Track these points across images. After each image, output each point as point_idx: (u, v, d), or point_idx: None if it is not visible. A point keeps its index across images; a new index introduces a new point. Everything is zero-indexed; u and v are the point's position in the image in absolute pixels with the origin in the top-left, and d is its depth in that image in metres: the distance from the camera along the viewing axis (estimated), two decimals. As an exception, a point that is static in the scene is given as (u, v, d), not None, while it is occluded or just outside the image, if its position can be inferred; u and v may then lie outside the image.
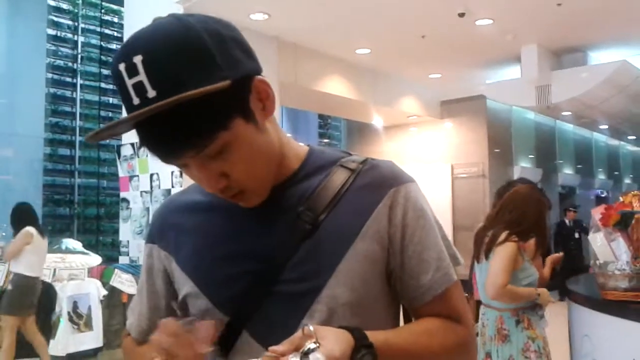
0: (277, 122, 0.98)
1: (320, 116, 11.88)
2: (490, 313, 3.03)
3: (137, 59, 0.79)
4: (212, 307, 0.93)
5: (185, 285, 0.97)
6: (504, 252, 2.87)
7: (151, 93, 0.78)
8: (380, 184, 0.96)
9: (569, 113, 10.95)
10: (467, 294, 3.25)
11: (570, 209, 10.91)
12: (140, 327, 1.05)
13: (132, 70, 0.79)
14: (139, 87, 0.79)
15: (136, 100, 0.79)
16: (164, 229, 1.03)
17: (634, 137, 15.95)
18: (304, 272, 0.90)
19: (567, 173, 13.47)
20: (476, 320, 3.15)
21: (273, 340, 0.79)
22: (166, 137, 0.81)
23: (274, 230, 0.93)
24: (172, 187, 6.51)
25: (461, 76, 9.71)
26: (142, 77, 0.78)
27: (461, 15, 6.81)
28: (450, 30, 7.38)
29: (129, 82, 0.79)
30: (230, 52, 0.87)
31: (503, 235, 2.93)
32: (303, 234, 0.91)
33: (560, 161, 13.34)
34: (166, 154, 0.83)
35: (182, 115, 0.79)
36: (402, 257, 0.95)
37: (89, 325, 5.52)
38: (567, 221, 10.78)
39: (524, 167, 11.61)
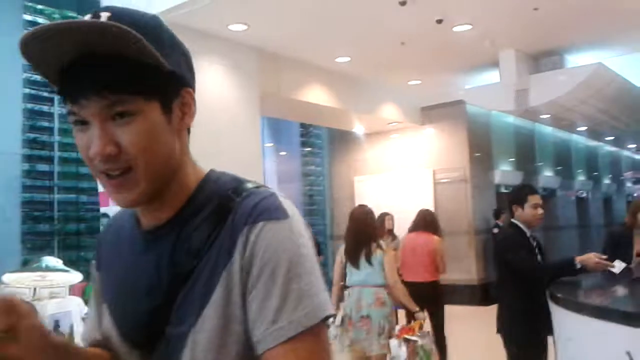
0: (188, 145, 1.02)
1: (302, 125, 11.86)
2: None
3: (104, 14, 0.83)
4: (124, 345, 0.95)
5: (105, 316, 1.01)
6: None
7: (104, 17, 0.83)
8: (239, 221, 0.88)
9: (548, 116, 11.08)
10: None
11: (502, 212, 10.05)
12: (93, 342, 1.04)
13: (95, 17, 0.83)
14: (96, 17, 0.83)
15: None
16: (100, 248, 1.08)
17: (612, 138, 16.17)
18: (180, 315, 0.89)
19: (547, 175, 13.60)
20: None
21: None
22: (100, 70, 0.82)
23: (161, 272, 0.91)
24: (154, 200, 6.45)
25: (440, 82, 9.78)
26: (103, 19, 0.83)
27: (439, 21, 6.86)
28: (429, 37, 7.43)
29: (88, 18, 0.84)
30: (177, 53, 0.94)
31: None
32: (180, 279, 0.89)
33: (540, 163, 13.47)
34: (90, 89, 0.82)
35: (120, 60, 0.81)
36: (249, 303, 0.86)
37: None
38: (500, 225, 10.01)
39: (504, 171, 11.71)
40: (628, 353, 2.28)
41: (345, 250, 4.60)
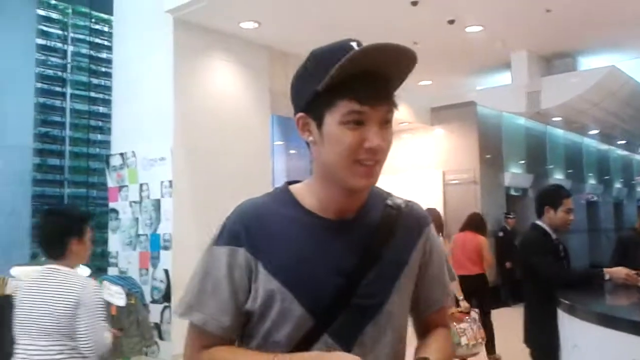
0: None
1: (312, 123, 11.86)
2: None
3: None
4: (304, 312, 1.10)
5: (272, 289, 1.11)
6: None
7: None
8: (418, 224, 1.27)
9: (559, 118, 11.00)
10: None
11: (509, 215, 10.43)
12: (219, 322, 1.14)
13: (360, 46, 1.07)
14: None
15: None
16: (251, 234, 1.14)
17: (623, 142, 16.03)
18: (371, 290, 1.14)
19: (557, 178, 13.50)
20: None
21: (348, 341, 1.11)
22: (383, 86, 1.10)
23: (351, 254, 1.14)
24: (162, 197, 6.48)
25: (451, 83, 9.73)
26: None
27: (451, 22, 6.83)
28: (441, 37, 7.40)
29: (357, 48, 1.07)
30: None
31: None
32: (372, 261, 1.15)
33: (551, 166, 13.38)
34: (379, 97, 1.08)
35: (396, 79, 1.11)
36: (425, 278, 1.27)
37: (78, 337, 5.46)
38: (507, 227, 10.33)
39: (514, 173, 11.64)
40: (634, 362, 2.26)
41: None
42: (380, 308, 1.16)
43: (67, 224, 2.63)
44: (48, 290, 2.49)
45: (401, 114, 10.34)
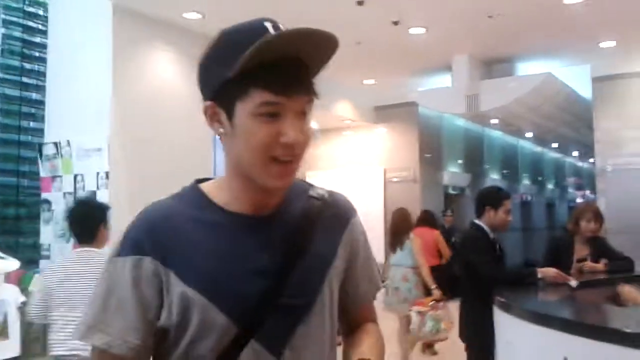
0: None
1: (255, 118, 11.78)
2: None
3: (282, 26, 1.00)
4: (226, 320, 0.99)
5: (188, 299, 0.99)
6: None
7: (276, 27, 0.99)
8: (344, 214, 1.20)
9: (497, 121, 11.32)
10: None
11: (447, 213, 10.25)
12: (127, 342, 1.00)
13: (276, 27, 0.98)
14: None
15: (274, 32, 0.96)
16: (157, 240, 1.01)
17: (556, 145, 16.66)
18: (299, 289, 1.05)
19: (493, 178, 13.92)
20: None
21: (278, 345, 1.02)
22: (302, 75, 0.99)
23: (274, 252, 1.04)
24: (97, 188, 6.27)
25: (395, 83, 9.85)
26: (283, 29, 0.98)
27: (395, 23, 6.90)
28: (385, 38, 7.47)
29: (272, 31, 0.97)
30: None
31: None
32: (296, 257, 1.05)
33: (488, 166, 13.78)
34: (297, 87, 0.97)
35: (316, 67, 1.01)
36: (353, 270, 1.19)
37: (4, 333, 5.20)
38: (445, 225, 10.14)
39: (453, 172, 11.91)
40: (565, 359, 2.33)
41: (388, 241, 6.24)
42: (310, 307, 1.07)
43: (96, 212, 3.17)
44: (85, 267, 2.97)
45: (345, 111, 10.42)
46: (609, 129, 9.10)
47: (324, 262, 1.11)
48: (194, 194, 1.09)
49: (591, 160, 13.32)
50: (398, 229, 6.11)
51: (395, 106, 10.86)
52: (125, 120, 6.42)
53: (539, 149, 17.07)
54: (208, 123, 1.03)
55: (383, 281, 5.88)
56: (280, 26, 0.99)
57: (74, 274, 3.01)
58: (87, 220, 3.11)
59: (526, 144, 15.95)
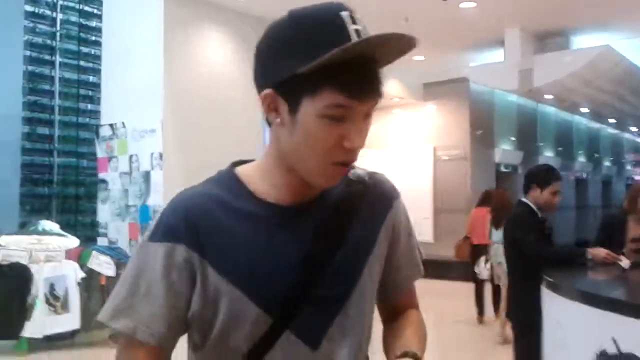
0: None
1: (304, 97, 11.82)
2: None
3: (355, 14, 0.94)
4: (260, 312, 0.97)
5: (221, 290, 0.97)
6: None
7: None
8: (386, 197, 1.13)
9: (551, 96, 11.01)
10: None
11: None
12: (151, 330, 0.97)
13: (353, 19, 0.92)
14: (359, 33, 0.91)
15: (355, 38, 0.90)
16: (193, 228, 0.98)
17: (614, 121, 16.10)
18: (337, 278, 1.02)
19: (547, 156, 13.58)
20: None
21: (313, 336, 0.99)
22: (375, 77, 0.94)
23: (311, 242, 1.01)
24: (152, 169, 6.46)
25: (444, 59, 9.70)
26: (360, 26, 0.92)
27: (445, -2, 6.79)
28: (434, 13, 7.35)
29: (351, 27, 0.91)
30: None
31: None
32: (335, 245, 1.02)
33: (541, 144, 13.44)
34: (370, 91, 0.94)
35: (384, 62, 0.96)
36: (395, 256, 1.14)
37: (65, 307, 5.49)
38: None
39: (505, 150, 11.69)
40: (613, 339, 2.31)
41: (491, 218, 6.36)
42: (348, 296, 1.03)
43: None
44: None
45: (393, 89, 10.34)
46: (670, 104, 8.74)
47: (364, 249, 1.06)
48: (230, 181, 1.05)
49: (651, 136, 12.83)
50: (499, 208, 6.29)
51: (445, 83, 10.69)
52: (178, 102, 6.57)
53: (595, 125, 16.52)
54: (264, 110, 0.97)
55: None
56: (356, 17, 0.93)
57: None
58: None
59: (582, 120, 15.46)
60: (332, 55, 0.86)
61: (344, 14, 0.92)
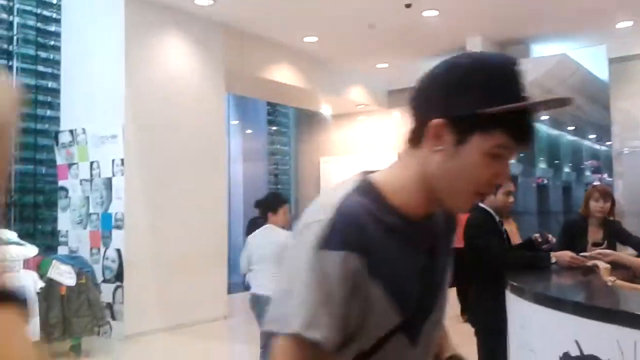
0: None
1: (269, 104, 11.76)
2: None
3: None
4: (400, 321, 1.06)
5: (376, 299, 1.03)
6: None
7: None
8: (455, 218, 1.26)
9: (512, 104, 11.20)
10: None
11: None
12: (334, 339, 1.01)
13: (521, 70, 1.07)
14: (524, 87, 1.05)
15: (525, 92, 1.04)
16: (365, 239, 1.03)
17: (572, 128, 16.49)
18: (442, 300, 1.18)
19: (509, 162, 13.79)
20: None
21: (417, 335, 1.10)
22: (534, 127, 1.07)
23: (429, 254, 1.13)
24: (113, 175, 6.34)
25: (408, 66, 9.78)
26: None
27: (408, 5, 6.85)
28: (397, 21, 7.42)
29: (522, 81, 1.05)
30: None
31: None
32: (441, 257, 1.16)
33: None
34: (531, 139, 1.07)
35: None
36: None
37: (24, 318, 5.32)
38: None
39: (468, 157, 11.83)
40: (576, 342, 2.34)
41: None
42: (436, 300, 1.17)
43: (267, 202, 4.59)
44: (270, 237, 4.32)
45: (358, 96, 10.39)
46: (626, 110, 8.99)
47: (448, 260, 1.21)
48: (374, 193, 1.09)
49: (608, 142, 13.18)
50: None
51: (410, 90, 10.76)
52: (139, 107, 6.47)
53: (555, 131, 16.90)
54: (429, 137, 1.06)
55: None
56: (522, 68, 1.07)
57: (260, 241, 4.41)
58: (262, 207, 4.59)
59: (542, 127, 15.78)
60: (517, 107, 1.00)
61: (519, 69, 1.06)
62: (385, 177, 1.13)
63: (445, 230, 1.19)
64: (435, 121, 1.04)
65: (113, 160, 6.33)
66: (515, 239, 4.95)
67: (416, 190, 1.09)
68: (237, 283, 9.30)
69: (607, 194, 4.20)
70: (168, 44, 6.87)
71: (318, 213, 1.04)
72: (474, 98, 1.01)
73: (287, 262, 1.08)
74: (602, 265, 3.24)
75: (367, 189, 1.10)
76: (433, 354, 1.20)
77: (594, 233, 4.18)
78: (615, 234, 4.15)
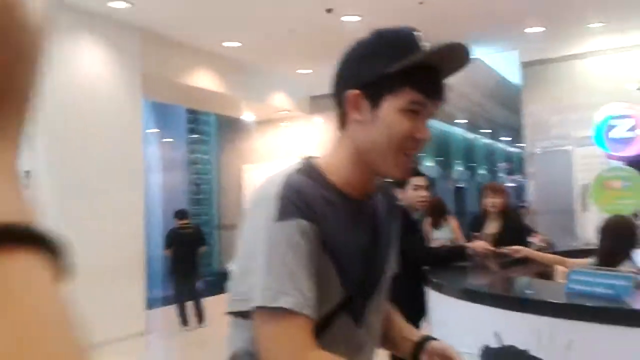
0: None
1: (190, 111, 11.54)
2: None
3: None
4: (342, 294, 1.11)
5: (326, 268, 1.09)
6: None
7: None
8: (397, 208, 1.37)
9: (430, 108, 11.52)
10: None
11: None
12: (311, 302, 1.02)
13: (420, 37, 1.13)
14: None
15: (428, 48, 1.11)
16: (310, 208, 1.07)
17: (488, 131, 17.15)
18: (389, 264, 1.25)
19: (428, 165, 14.19)
20: None
21: (361, 318, 1.15)
22: (443, 83, 1.14)
23: (368, 233, 1.19)
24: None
25: (330, 72, 9.82)
26: (427, 43, 1.13)
27: (328, 11, 6.89)
28: (318, 26, 7.45)
29: (423, 42, 1.12)
30: None
31: None
32: (382, 239, 1.22)
33: (423, 154, 14.02)
34: (441, 93, 1.13)
35: (446, 73, 1.14)
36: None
37: None
38: None
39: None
40: (496, 333, 2.38)
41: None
42: (378, 284, 1.21)
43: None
44: None
45: (281, 102, 10.36)
46: (537, 113, 9.39)
47: (391, 244, 1.26)
48: (315, 172, 1.15)
49: (521, 144, 13.80)
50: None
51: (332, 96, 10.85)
52: (49, 115, 6.14)
53: (471, 135, 17.52)
54: (348, 108, 1.13)
55: None
56: (421, 35, 1.14)
57: None
58: None
59: (459, 131, 16.34)
60: (417, 57, 1.08)
61: (416, 33, 1.14)
62: (324, 159, 1.20)
63: (387, 216, 1.26)
64: (350, 92, 1.13)
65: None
66: (458, 234, 5.33)
67: (352, 168, 1.16)
68: (157, 298, 9.02)
69: (497, 190, 4.47)
70: (81, 48, 6.59)
71: (265, 192, 1.10)
72: (378, 63, 1.10)
73: (243, 243, 1.11)
74: (561, 269, 3.34)
75: (308, 169, 1.16)
76: (377, 336, 1.24)
77: (491, 226, 4.35)
78: (507, 226, 4.31)
